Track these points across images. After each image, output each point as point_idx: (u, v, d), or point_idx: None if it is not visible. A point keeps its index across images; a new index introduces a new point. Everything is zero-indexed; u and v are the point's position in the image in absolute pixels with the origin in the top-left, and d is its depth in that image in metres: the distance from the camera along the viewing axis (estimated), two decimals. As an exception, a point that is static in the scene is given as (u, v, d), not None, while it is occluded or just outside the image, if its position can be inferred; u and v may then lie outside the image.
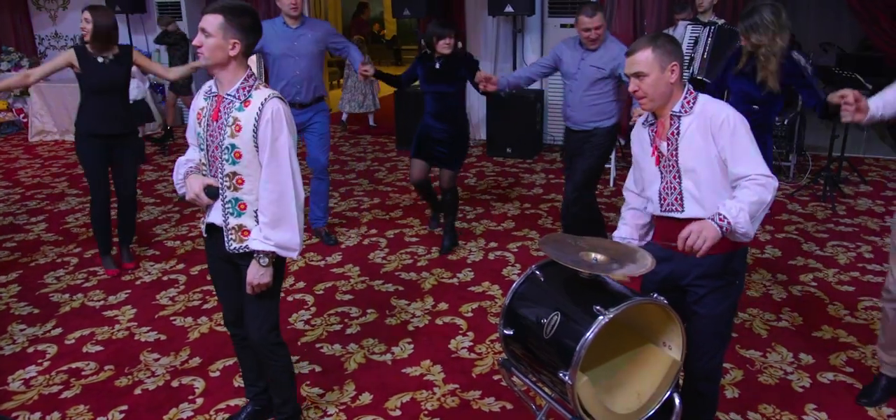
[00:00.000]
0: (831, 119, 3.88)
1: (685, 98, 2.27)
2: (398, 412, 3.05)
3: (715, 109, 2.22)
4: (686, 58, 5.53)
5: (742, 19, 3.51)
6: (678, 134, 2.26)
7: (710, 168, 2.22)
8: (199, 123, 2.48)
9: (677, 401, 2.26)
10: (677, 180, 2.29)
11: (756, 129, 2.43)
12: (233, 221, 2.47)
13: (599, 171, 4.47)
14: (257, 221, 2.46)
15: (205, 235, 2.63)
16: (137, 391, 3.22)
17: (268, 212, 2.40)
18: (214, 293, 3.62)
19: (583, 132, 4.30)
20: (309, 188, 4.97)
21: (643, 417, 2.23)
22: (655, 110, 2.31)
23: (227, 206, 2.46)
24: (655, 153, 2.34)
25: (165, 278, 4.46)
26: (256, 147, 2.38)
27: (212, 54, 2.33)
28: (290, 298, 4.13)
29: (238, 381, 3.22)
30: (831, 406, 3.01)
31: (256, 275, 2.46)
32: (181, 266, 4.65)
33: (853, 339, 3.54)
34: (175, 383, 3.28)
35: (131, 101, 5.70)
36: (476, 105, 7.83)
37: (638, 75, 2.24)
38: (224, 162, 2.41)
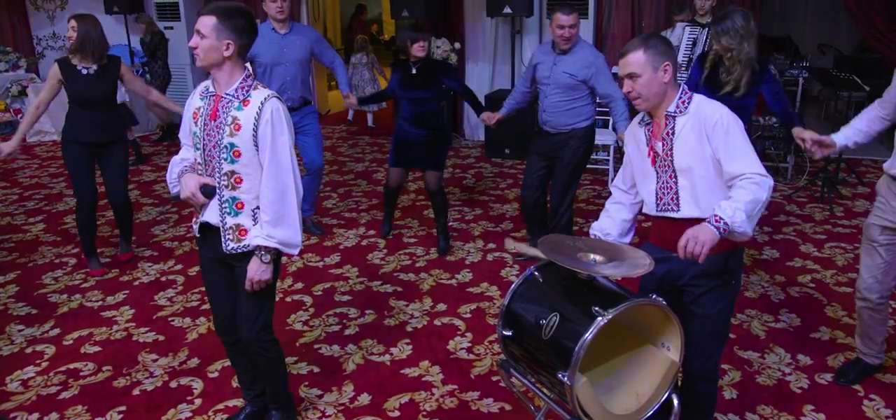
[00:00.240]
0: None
1: (679, 98, 2.28)
2: (397, 413, 3.05)
3: (709, 110, 2.23)
4: (685, 59, 5.54)
5: (714, 23, 3.61)
6: (673, 134, 2.27)
7: (706, 168, 2.23)
8: (196, 123, 2.48)
9: (676, 401, 2.27)
10: (673, 180, 2.30)
11: None
12: (230, 221, 2.47)
13: (579, 173, 4.39)
14: (255, 220, 2.48)
15: (198, 236, 2.63)
16: (136, 392, 3.22)
17: (270, 210, 2.42)
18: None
19: (561, 134, 4.26)
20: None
21: (642, 418, 2.23)
22: (650, 110, 2.33)
23: (223, 205, 2.47)
24: (651, 153, 2.35)
25: (163, 279, 4.45)
26: (256, 146, 2.40)
27: (206, 55, 2.36)
28: (288, 299, 4.12)
29: (236, 382, 3.20)
30: (829, 407, 3.02)
31: (258, 271, 2.47)
32: (179, 267, 4.64)
33: (851, 340, 3.54)
34: (173, 384, 3.28)
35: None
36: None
37: (631, 76, 2.25)
38: (222, 161, 2.42)
